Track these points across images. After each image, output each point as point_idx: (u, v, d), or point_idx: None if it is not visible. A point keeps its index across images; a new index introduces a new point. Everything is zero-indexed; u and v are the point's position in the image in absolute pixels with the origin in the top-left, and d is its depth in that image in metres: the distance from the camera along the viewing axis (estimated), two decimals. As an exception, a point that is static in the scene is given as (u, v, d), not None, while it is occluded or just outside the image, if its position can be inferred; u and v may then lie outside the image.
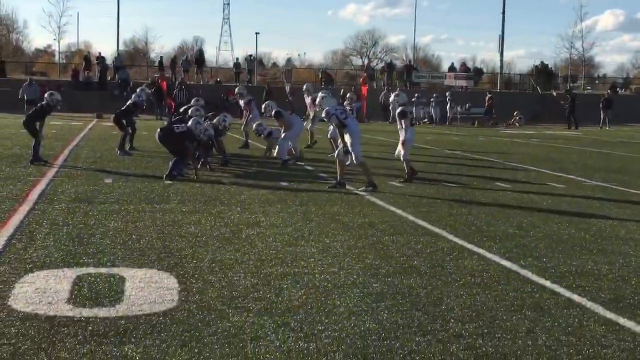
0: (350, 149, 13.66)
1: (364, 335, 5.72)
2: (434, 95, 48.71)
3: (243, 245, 8.75)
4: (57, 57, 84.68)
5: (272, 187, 13.83)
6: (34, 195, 11.90)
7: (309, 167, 17.43)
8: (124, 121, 19.53)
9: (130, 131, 19.85)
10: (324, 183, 14.54)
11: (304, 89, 23.82)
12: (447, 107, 47.96)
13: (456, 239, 9.54)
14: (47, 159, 16.63)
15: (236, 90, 23.90)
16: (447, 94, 49.36)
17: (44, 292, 6.58)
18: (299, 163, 18.11)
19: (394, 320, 6.13)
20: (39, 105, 17.21)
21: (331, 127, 18.39)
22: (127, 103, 20.37)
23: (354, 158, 13.74)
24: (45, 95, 17.15)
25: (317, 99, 15.61)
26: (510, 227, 10.52)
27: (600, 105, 47.87)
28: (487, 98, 48.83)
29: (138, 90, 20.90)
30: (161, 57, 58.99)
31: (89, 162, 17.02)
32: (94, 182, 13.75)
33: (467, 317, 6.26)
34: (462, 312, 6.40)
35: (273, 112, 18.72)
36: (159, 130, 15.54)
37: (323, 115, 14.36)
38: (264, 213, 10.98)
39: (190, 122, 15.35)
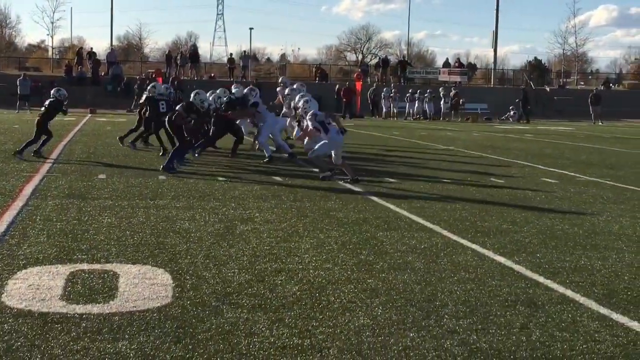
0: (314, 146, 14.11)
1: (358, 331, 5.72)
2: (428, 90, 48.69)
3: (237, 241, 8.74)
4: (50, 53, 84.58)
5: (266, 182, 13.82)
6: (27, 190, 11.88)
7: (303, 162, 17.39)
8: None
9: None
10: (318, 179, 14.52)
11: (279, 80, 23.55)
12: (442, 102, 48.01)
13: (450, 235, 9.55)
14: (42, 154, 16.58)
15: (232, 88, 23.80)
16: (440, 89, 49.44)
17: (37, 288, 6.57)
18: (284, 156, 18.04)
19: (388, 316, 6.13)
20: (48, 103, 17.24)
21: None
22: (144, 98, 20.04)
23: (310, 152, 14.28)
24: (52, 91, 17.39)
25: (301, 102, 15.55)
26: (504, 222, 10.53)
27: (589, 101, 47.99)
28: (452, 94, 48.64)
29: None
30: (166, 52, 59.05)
31: (83, 158, 17.00)
32: (87, 177, 13.73)
33: (461, 313, 6.27)
34: (456, 308, 6.41)
35: (251, 102, 18.43)
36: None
37: (308, 117, 14.50)
38: (258, 209, 10.98)
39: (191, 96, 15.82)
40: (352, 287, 6.96)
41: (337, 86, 48.75)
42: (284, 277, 7.23)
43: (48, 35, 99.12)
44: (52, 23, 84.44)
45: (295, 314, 6.10)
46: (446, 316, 6.17)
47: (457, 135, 31.05)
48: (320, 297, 6.61)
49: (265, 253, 8.19)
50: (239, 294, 6.60)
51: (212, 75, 59.92)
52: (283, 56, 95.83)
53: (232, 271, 7.36)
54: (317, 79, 57.01)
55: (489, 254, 8.55)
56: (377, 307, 6.35)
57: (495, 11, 61.15)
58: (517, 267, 7.93)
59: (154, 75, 44.02)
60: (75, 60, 53.45)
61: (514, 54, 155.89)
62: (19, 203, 10.76)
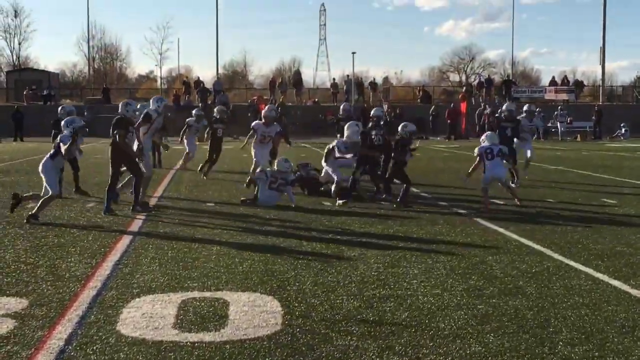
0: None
1: (470, 359, 5.62)
2: (537, 109, 47.81)
3: (345, 267, 8.72)
4: (159, 83, 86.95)
5: (372, 207, 13.79)
6: (139, 220, 12.15)
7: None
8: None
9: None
10: (424, 204, 14.41)
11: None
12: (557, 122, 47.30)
13: (562, 258, 9.32)
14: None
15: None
16: (559, 107, 48.82)
17: (150, 317, 6.69)
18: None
19: (500, 343, 6.00)
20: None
21: None
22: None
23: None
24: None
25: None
26: (618, 244, 10.22)
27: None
28: (486, 112, 44.90)
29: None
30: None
31: (190, 187, 17.30)
32: (197, 205, 13.96)
33: (576, 340, 6.09)
34: (571, 335, 6.23)
35: None
36: None
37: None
38: (364, 234, 10.94)
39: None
40: (463, 313, 6.86)
41: (432, 108, 48.48)
42: (393, 303, 7.17)
43: (156, 66, 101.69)
44: (160, 54, 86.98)
45: (405, 341, 6.04)
46: (560, 343, 6.00)
47: (566, 155, 30.40)
48: (430, 323, 6.53)
49: (373, 279, 8.15)
50: (347, 321, 6.58)
51: (316, 100, 60.29)
52: (386, 79, 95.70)
53: (341, 298, 7.34)
54: (420, 100, 56.88)
55: (604, 277, 8.30)
56: (488, 334, 6.23)
57: (602, 27, 59.73)
58: (634, 292, 7.67)
59: (256, 102, 44.71)
60: (183, 90, 54.92)
61: (622, 69, 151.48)
62: (132, 230, 11.01)
